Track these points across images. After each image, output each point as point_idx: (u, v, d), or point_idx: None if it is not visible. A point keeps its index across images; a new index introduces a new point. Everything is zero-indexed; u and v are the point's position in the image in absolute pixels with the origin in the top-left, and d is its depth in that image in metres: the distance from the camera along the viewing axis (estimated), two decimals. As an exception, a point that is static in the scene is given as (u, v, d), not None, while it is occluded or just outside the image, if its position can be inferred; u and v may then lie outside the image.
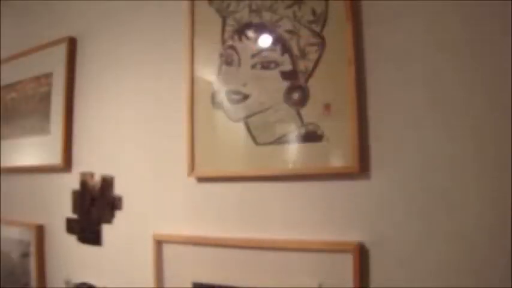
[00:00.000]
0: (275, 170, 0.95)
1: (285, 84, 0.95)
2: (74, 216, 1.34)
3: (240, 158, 1.00)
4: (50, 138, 1.41)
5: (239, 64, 1.02)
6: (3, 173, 1.59)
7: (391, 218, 0.83)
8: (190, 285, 1.04)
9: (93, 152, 1.32)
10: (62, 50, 1.40)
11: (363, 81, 0.88)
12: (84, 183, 1.33)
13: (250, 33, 1.01)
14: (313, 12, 0.93)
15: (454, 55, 0.80)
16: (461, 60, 0.79)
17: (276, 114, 0.96)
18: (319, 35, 0.92)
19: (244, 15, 1.02)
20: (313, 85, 0.92)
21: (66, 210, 1.36)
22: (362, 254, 0.84)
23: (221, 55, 1.05)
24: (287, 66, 0.95)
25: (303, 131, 0.92)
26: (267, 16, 0.99)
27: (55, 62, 1.42)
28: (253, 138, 0.98)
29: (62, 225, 1.37)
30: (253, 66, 1.00)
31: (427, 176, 0.80)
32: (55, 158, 1.38)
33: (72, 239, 1.34)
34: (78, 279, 1.31)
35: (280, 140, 0.95)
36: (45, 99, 1.44)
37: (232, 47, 1.03)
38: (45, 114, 1.44)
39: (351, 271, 0.84)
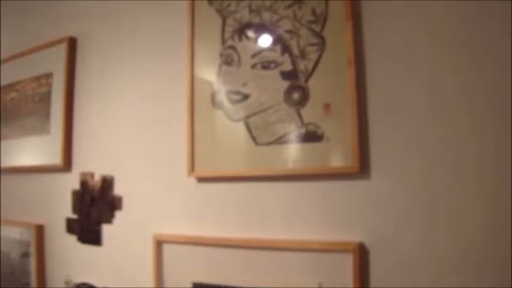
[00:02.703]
0: (275, 170, 0.95)
1: (285, 84, 0.95)
2: (74, 216, 1.34)
3: (240, 158, 1.00)
4: (50, 138, 1.41)
5: (239, 64, 1.02)
6: (3, 173, 1.59)
7: (391, 218, 0.83)
8: (190, 285, 1.04)
9: (93, 152, 1.32)
10: (62, 50, 1.40)
11: (363, 81, 0.88)
12: (84, 183, 1.33)
13: (250, 33, 1.01)
14: (313, 12, 0.93)
15: (454, 55, 0.80)
16: (461, 60, 0.79)
17: (276, 114, 0.96)
18: (319, 35, 0.92)
19: (244, 15, 1.02)
20: (313, 85, 0.92)
21: (66, 210, 1.36)
22: (362, 254, 0.84)
23: (221, 55, 1.05)
24: (287, 66, 0.95)
25: (303, 131, 0.92)
26: (267, 16, 0.99)
27: (55, 62, 1.42)
28: (253, 138, 0.98)
29: (62, 225, 1.37)
30: (253, 66, 1.00)
31: (427, 176, 0.80)
32: (55, 158, 1.38)
33: (72, 239, 1.34)
34: (78, 279, 1.31)
35: (280, 140, 0.95)
36: (45, 99, 1.44)
37: (232, 47, 1.03)
38: (45, 114, 1.44)
39: (351, 271, 0.84)
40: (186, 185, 1.09)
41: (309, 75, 0.92)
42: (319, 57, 0.91)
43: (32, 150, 1.47)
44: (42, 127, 1.44)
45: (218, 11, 1.07)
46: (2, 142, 1.58)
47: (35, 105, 1.48)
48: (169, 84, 1.15)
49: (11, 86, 1.59)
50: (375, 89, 0.87)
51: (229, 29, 1.04)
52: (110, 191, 1.26)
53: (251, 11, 1.01)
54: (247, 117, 0.99)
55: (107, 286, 1.23)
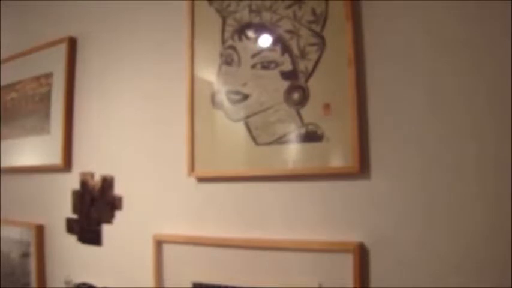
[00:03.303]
0: (275, 170, 0.95)
1: (285, 84, 0.95)
2: (74, 216, 1.34)
3: (240, 158, 1.00)
4: (50, 138, 1.41)
5: (239, 64, 1.02)
6: (3, 173, 1.59)
7: (391, 218, 0.83)
8: (190, 285, 1.04)
9: (93, 152, 1.32)
10: (62, 50, 1.40)
11: (363, 81, 0.88)
12: (84, 183, 1.33)
13: (250, 33, 1.01)
14: (313, 12, 0.93)
15: (454, 55, 0.80)
16: (461, 60, 0.79)
17: (276, 114, 0.96)
18: (319, 35, 0.92)
19: (244, 15, 1.02)
20: (313, 85, 0.92)
21: (66, 210, 1.36)
22: (362, 254, 0.84)
23: (221, 55, 1.05)
24: (287, 66, 0.95)
25: (303, 131, 0.92)
26: (267, 16, 0.99)
27: (55, 62, 1.42)
28: (253, 138, 0.98)
29: (62, 225, 1.37)
30: (253, 66, 1.00)
31: (427, 176, 0.80)
32: (55, 158, 1.38)
33: (72, 239, 1.34)
34: (78, 279, 1.31)
35: (280, 140, 0.95)
36: (45, 99, 1.44)
37: (232, 47, 1.03)
38: (45, 114, 1.44)
39: (351, 271, 0.84)
40: (186, 185, 1.09)
41: (309, 75, 0.92)
42: (319, 57, 0.91)
43: (32, 150, 1.47)
44: (42, 127, 1.44)
45: (218, 11, 1.07)
46: (2, 142, 1.58)
47: (35, 105, 1.48)
48: (169, 84, 1.15)
49: (11, 86, 1.59)
50: (375, 89, 0.87)
51: (229, 29, 1.04)
52: (110, 191, 1.25)
53: (251, 11, 1.01)
54: (247, 117, 0.99)
55: (107, 286, 1.22)
